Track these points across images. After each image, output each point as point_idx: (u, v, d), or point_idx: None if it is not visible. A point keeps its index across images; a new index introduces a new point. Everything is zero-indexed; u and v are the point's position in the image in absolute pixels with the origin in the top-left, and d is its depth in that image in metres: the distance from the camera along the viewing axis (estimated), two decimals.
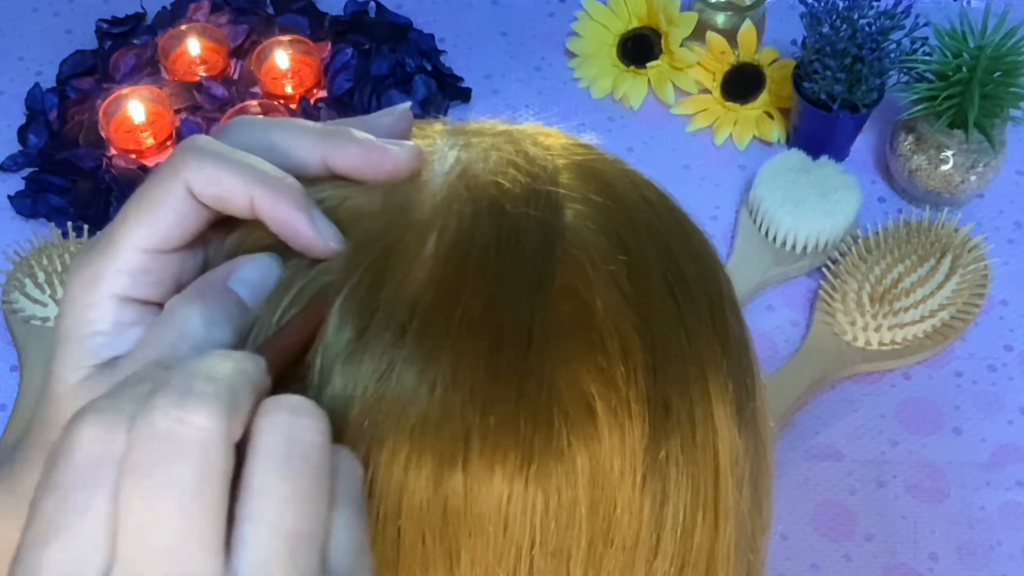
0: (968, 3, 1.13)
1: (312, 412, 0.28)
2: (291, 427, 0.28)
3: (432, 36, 1.12)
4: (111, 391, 0.29)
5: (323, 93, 1.07)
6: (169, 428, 0.27)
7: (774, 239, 0.99)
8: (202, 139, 0.34)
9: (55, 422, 0.34)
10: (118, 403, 0.28)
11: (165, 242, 0.34)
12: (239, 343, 0.33)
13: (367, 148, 0.35)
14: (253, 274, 0.34)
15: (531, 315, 0.33)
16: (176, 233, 0.34)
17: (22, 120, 1.06)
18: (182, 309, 0.33)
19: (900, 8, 0.97)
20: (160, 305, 0.35)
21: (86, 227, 0.96)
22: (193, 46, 1.08)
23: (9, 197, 1.00)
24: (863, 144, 1.07)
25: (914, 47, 0.97)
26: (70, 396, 0.34)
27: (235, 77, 1.08)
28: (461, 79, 1.10)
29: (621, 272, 0.34)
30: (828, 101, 0.99)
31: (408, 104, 0.39)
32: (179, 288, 0.35)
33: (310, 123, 0.36)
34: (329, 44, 1.09)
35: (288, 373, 0.32)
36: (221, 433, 0.27)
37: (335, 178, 0.36)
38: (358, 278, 0.33)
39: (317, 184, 0.36)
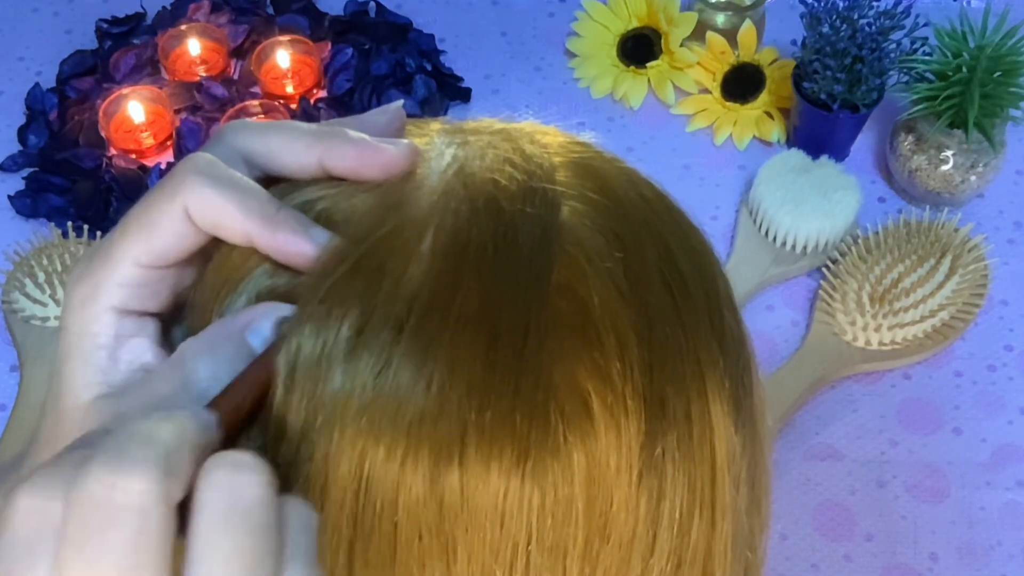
0: (968, 3, 1.13)
1: (254, 467, 0.28)
2: (232, 484, 0.27)
3: (432, 36, 1.12)
4: (51, 460, 0.28)
5: (323, 93, 1.07)
6: (102, 495, 0.26)
7: (774, 239, 0.99)
8: (204, 160, 0.34)
9: (65, 436, 0.34)
10: (55, 472, 0.27)
11: (162, 259, 0.34)
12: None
13: (362, 148, 0.35)
14: (272, 328, 0.33)
15: (527, 312, 0.33)
16: (173, 252, 0.34)
17: (22, 120, 1.06)
18: (191, 359, 0.33)
19: (900, 8, 0.97)
20: (158, 315, 0.35)
21: (86, 227, 0.96)
22: (193, 46, 1.08)
23: (9, 197, 1.00)
24: (863, 144, 1.07)
25: (914, 47, 0.97)
26: (83, 413, 0.34)
27: (235, 77, 1.08)
28: (461, 79, 1.10)
29: (618, 269, 0.34)
30: (828, 101, 0.99)
31: (401, 102, 0.39)
32: (177, 297, 0.36)
33: (305, 125, 0.36)
34: (329, 44, 1.09)
35: (247, 423, 0.32)
36: (157, 496, 0.26)
37: (332, 178, 0.36)
38: (355, 275, 0.33)
39: (314, 184, 0.36)
